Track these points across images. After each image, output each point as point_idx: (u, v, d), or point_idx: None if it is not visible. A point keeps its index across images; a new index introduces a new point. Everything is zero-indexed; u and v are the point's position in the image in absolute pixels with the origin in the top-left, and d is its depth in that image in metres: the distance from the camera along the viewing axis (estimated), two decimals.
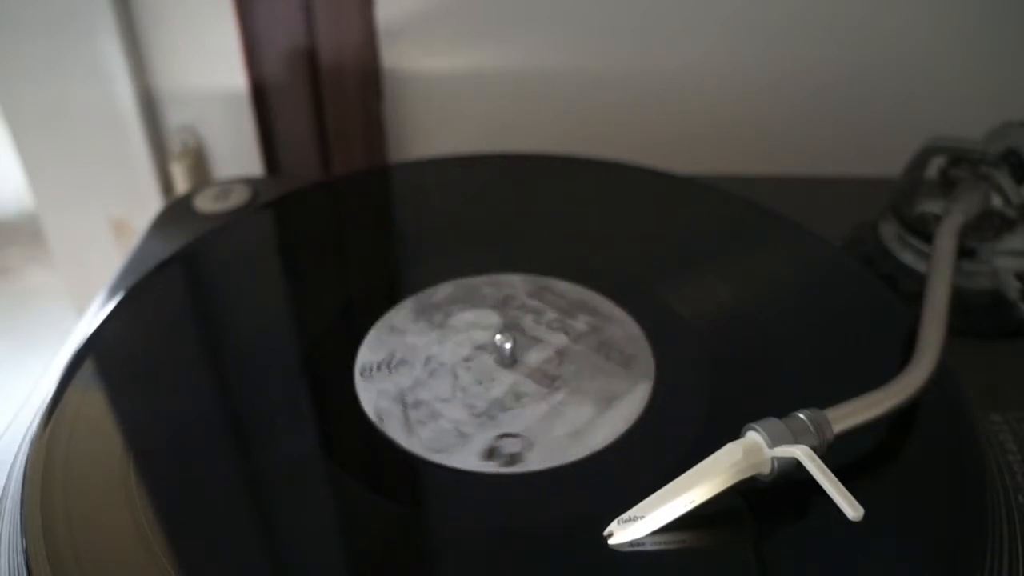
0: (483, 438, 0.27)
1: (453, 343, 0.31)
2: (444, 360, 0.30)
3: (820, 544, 0.23)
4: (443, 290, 0.33)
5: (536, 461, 0.26)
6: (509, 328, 0.31)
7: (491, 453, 0.26)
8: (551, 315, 0.32)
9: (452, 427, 0.27)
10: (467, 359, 0.30)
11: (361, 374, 0.29)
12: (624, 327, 0.32)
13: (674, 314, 0.32)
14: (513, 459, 0.26)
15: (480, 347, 0.31)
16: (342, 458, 0.26)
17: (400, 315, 0.32)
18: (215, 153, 0.57)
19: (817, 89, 0.53)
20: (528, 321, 0.32)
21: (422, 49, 0.53)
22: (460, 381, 0.29)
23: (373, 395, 0.29)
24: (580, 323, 0.32)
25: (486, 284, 0.34)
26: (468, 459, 0.26)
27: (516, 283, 0.34)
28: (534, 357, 0.30)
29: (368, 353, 0.30)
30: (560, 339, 0.31)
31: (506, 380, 0.29)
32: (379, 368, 0.29)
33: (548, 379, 0.29)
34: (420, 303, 0.33)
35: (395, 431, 0.27)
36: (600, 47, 0.53)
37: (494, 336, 0.30)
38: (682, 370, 0.30)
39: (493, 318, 0.32)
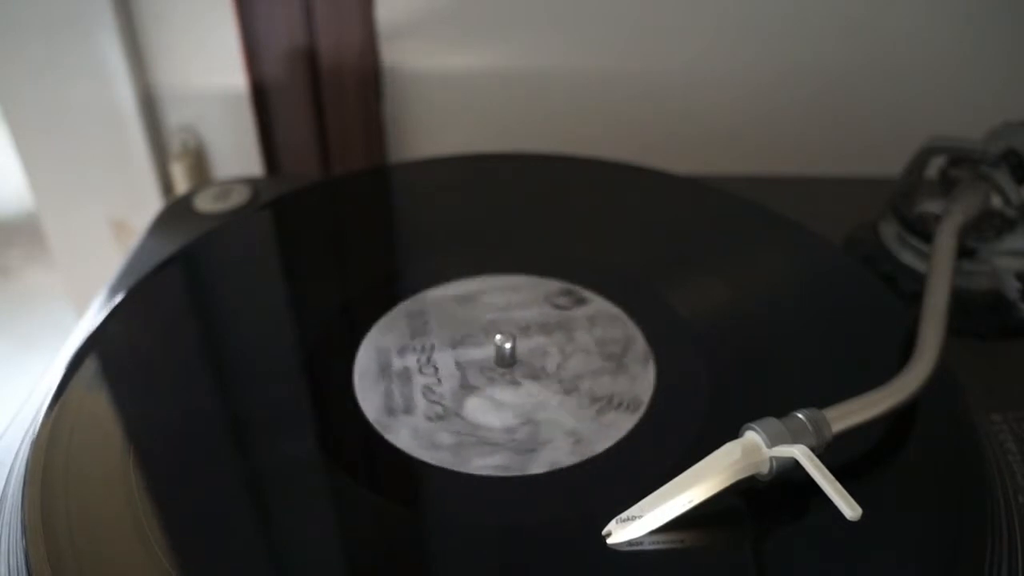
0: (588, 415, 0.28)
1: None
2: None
3: (818, 544, 0.23)
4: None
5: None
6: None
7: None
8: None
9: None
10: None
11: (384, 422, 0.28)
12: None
13: (674, 314, 0.32)
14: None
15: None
16: (341, 457, 0.26)
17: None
18: (215, 153, 0.57)
19: (817, 89, 0.53)
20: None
21: (422, 49, 0.53)
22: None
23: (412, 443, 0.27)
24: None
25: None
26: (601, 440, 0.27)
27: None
28: (528, 352, 0.30)
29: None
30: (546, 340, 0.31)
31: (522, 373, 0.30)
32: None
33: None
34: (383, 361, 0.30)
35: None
36: (600, 47, 0.53)
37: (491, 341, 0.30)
38: (682, 370, 0.30)
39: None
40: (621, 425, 0.27)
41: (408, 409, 0.28)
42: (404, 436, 0.27)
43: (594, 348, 0.31)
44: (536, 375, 0.30)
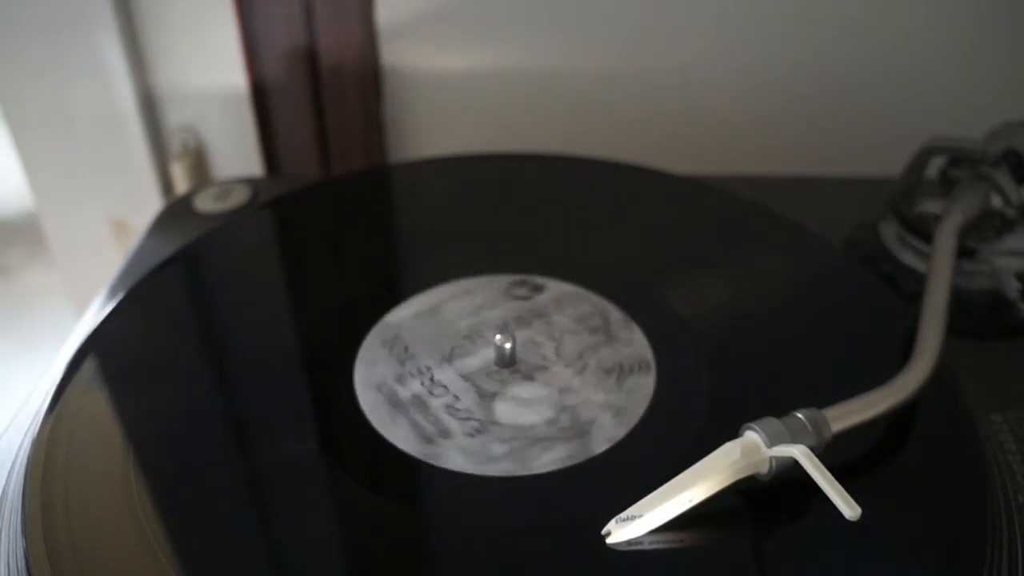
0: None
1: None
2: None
3: (818, 544, 0.23)
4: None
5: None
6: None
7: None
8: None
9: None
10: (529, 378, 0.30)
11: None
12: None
13: (674, 314, 0.32)
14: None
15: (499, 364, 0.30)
16: (340, 457, 0.26)
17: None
18: (215, 153, 0.57)
19: (817, 89, 0.53)
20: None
21: (422, 49, 0.53)
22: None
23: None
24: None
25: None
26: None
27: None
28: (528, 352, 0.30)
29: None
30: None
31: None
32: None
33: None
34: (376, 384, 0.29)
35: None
36: (600, 47, 0.53)
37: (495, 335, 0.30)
38: (682, 370, 0.30)
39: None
40: (643, 388, 0.29)
41: (445, 433, 0.27)
42: (457, 459, 0.26)
43: (577, 326, 0.31)
44: (541, 366, 0.30)
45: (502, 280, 0.34)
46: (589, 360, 0.30)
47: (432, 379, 0.29)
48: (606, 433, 0.27)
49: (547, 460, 0.26)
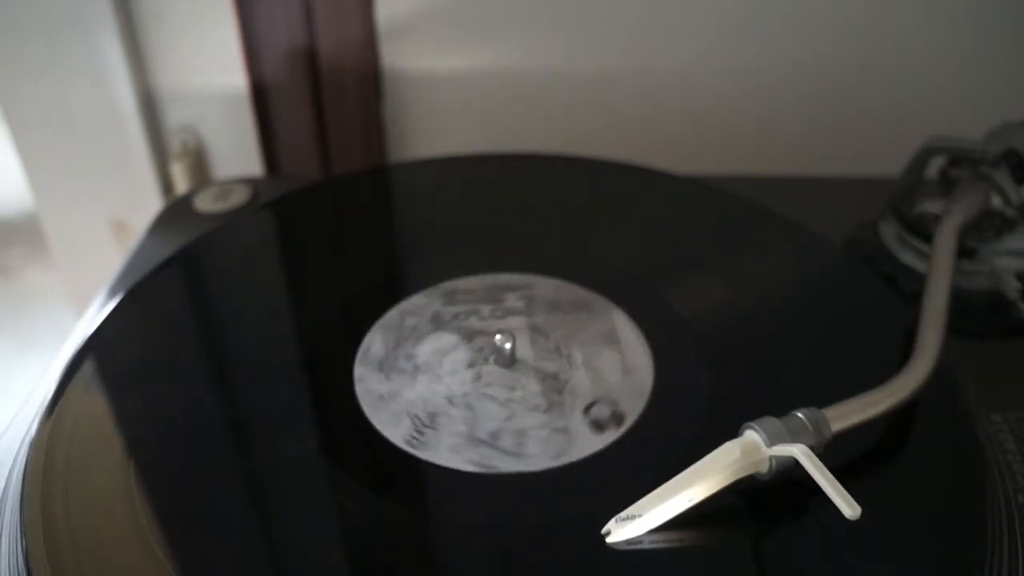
0: (576, 420, 0.27)
1: (448, 375, 0.30)
2: (463, 391, 0.29)
3: (818, 543, 0.23)
4: (376, 340, 0.31)
5: (630, 410, 0.28)
6: (469, 338, 0.31)
7: (597, 425, 0.27)
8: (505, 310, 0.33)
9: (545, 431, 0.27)
10: (477, 378, 0.29)
11: (412, 446, 0.27)
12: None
13: (674, 314, 0.32)
14: (616, 418, 0.28)
15: (472, 364, 0.30)
16: (340, 457, 0.26)
17: (370, 380, 0.29)
18: (215, 153, 0.57)
19: (817, 89, 0.53)
20: (479, 323, 0.32)
21: (422, 49, 0.53)
22: (497, 396, 0.29)
23: (452, 457, 0.26)
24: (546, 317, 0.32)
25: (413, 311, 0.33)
26: (588, 444, 0.27)
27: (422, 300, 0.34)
28: (528, 350, 0.30)
29: (391, 428, 0.27)
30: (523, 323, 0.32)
31: (528, 373, 0.30)
32: (422, 434, 0.27)
33: (559, 354, 0.30)
34: (370, 360, 0.30)
35: (509, 464, 0.26)
36: (599, 47, 0.53)
37: (476, 348, 0.30)
38: (681, 370, 0.30)
39: (450, 338, 0.31)
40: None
41: (417, 317, 0.32)
42: (375, 339, 0.31)
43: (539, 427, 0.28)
44: (480, 378, 0.29)
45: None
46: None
47: (487, 312, 0.32)
48: (398, 411, 0.28)
49: (360, 369, 0.29)
